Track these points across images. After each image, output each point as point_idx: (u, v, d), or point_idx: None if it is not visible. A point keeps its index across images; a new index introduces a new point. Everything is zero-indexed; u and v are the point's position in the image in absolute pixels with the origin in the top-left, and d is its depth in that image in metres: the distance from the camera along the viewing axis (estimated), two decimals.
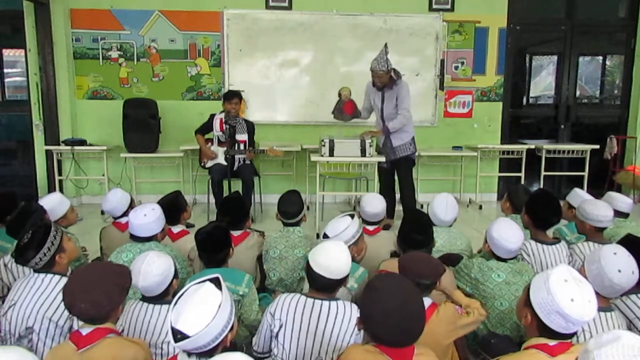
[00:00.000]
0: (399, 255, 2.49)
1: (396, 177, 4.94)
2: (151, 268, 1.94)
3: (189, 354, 1.43)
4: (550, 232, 2.96)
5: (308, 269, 1.98)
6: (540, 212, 2.77)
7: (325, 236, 2.50)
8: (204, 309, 1.39)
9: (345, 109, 4.83)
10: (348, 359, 1.64)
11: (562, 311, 1.49)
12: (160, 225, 2.70)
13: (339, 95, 4.85)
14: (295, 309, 1.93)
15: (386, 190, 4.86)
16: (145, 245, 2.60)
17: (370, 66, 4.51)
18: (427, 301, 2.01)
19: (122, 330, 1.99)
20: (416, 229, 2.55)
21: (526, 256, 2.69)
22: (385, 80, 4.52)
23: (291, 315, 1.92)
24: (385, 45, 4.44)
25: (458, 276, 2.59)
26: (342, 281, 1.98)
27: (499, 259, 2.49)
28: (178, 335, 1.36)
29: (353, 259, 2.16)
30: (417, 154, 4.98)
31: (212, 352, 1.42)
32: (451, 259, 2.71)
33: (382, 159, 4.93)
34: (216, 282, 1.48)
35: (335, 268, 1.93)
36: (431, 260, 2.11)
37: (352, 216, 2.60)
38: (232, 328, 1.48)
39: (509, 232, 2.44)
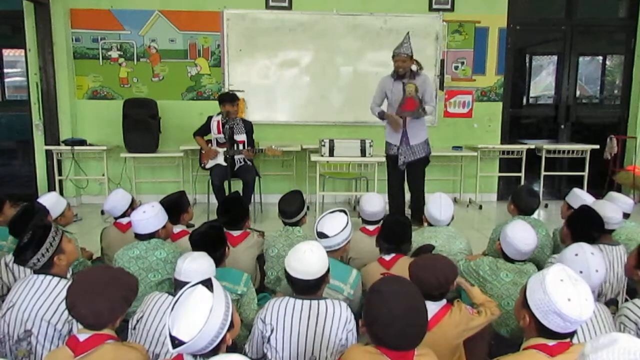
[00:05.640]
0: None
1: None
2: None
3: (194, 355, 1.45)
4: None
5: (287, 275, 1.98)
6: (583, 227, 2.67)
7: (322, 235, 2.48)
8: (196, 315, 1.41)
9: (405, 106, 4.51)
10: None
11: (560, 311, 1.49)
12: (161, 222, 2.72)
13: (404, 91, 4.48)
14: (285, 312, 1.93)
15: (397, 191, 4.75)
16: (152, 243, 2.64)
17: (393, 52, 4.40)
18: (440, 303, 2.03)
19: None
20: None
21: None
22: (408, 65, 4.39)
23: (281, 319, 1.92)
24: (408, 33, 4.42)
25: (466, 273, 2.59)
26: (323, 279, 1.98)
27: (507, 259, 2.50)
28: (175, 342, 1.40)
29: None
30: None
31: (215, 351, 1.46)
32: (424, 250, 2.71)
33: (382, 159, 4.93)
34: (208, 284, 1.50)
35: (310, 269, 1.92)
36: (441, 270, 2.04)
37: (344, 212, 2.61)
38: (231, 327, 1.49)
39: (524, 234, 2.43)
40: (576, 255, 2.05)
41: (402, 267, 2.49)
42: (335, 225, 2.52)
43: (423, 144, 4.65)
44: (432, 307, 1.99)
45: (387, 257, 2.61)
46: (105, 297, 1.66)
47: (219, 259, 2.45)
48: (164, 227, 2.75)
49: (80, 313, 1.65)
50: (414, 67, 4.46)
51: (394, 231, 2.68)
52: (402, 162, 4.61)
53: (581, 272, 1.98)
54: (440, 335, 1.95)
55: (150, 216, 2.66)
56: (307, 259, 1.92)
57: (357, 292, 2.48)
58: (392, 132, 4.64)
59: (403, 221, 2.83)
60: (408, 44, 4.35)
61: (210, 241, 2.44)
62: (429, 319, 1.92)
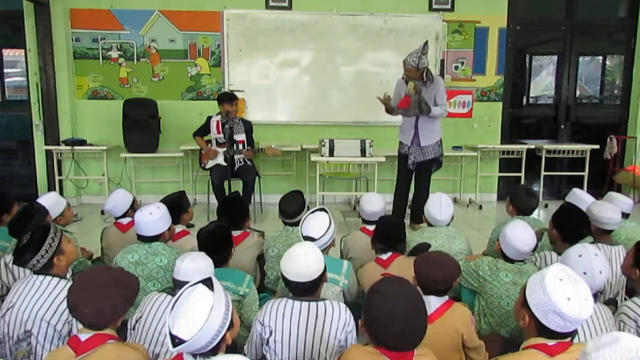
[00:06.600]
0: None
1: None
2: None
3: (194, 354, 1.46)
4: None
5: (283, 278, 1.97)
6: (571, 226, 2.66)
7: (309, 239, 2.45)
8: (196, 314, 1.41)
9: (400, 103, 4.51)
10: None
11: (559, 311, 1.49)
12: (166, 224, 2.67)
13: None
14: (284, 314, 1.92)
15: (403, 191, 4.78)
16: (152, 247, 2.59)
17: (404, 58, 4.38)
18: (443, 298, 2.05)
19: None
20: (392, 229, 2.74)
21: None
22: (414, 76, 4.36)
23: (280, 321, 1.92)
24: (425, 43, 4.33)
25: (466, 274, 2.59)
26: (321, 279, 1.98)
27: (507, 259, 2.50)
28: (175, 340, 1.40)
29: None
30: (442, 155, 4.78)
31: (215, 350, 1.46)
32: (420, 249, 2.72)
33: (382, 159, 4.94)
34: (208, 283, 1.49)
35: (307, 271, 1.92)
36: (447, 265, 2.08)
37: (325, 210, 2.61)
38: (231, 326, 1.50)
39: (523, 234, 2.43)
40: (580, 256, 2.04)
41: (399, 265, 2.53)
42: (320, 226, 2.52)
43: (434, 145, 4.65)
44: (435, 302, 2.02)
45: (384, 257, 2.64)
46: (107, 297, 1.66)
47: (224, 259, 2.45)
48: (168, 229, 2.71)
49: (83, 313, 1.65)
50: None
51: (388, 232, 2.71)
52: (412, 162, 4.63)
53: (585, 273, 1.97)
54: (442, 329, 1.97)
55: (157, 218, 2.59)
56: (301, 261, 1.92)
57: (351, 281, 2.52)
58: (404, 132, 4.67)
59: (396, 222, 2.86)
60: (417, 55, 4.28)
61: (217, 241, 2.44)
62: (431, 312, 1.96)
